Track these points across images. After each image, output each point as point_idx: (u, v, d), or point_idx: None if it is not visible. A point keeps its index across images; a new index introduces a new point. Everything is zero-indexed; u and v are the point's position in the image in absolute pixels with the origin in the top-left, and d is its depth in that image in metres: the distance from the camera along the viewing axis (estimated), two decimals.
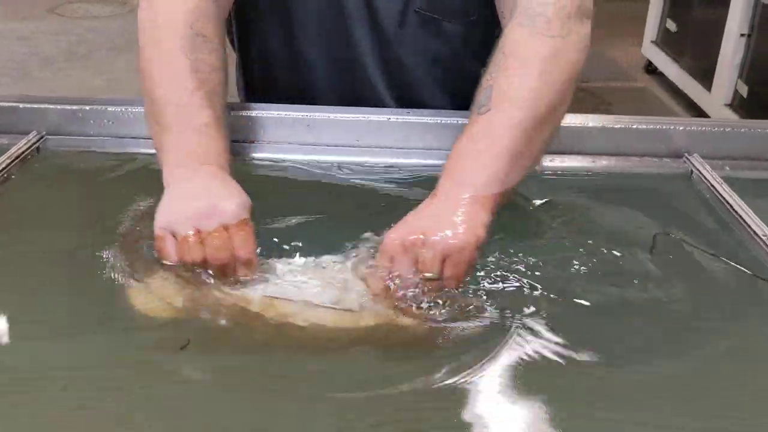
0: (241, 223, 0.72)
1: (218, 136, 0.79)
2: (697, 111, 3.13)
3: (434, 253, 0.70)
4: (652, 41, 3.55)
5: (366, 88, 1.02)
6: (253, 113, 1.01)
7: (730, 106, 2.86)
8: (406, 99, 1.04)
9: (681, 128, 1.01)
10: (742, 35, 2.77)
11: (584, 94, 3.36)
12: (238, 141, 1.00)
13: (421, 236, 0.70)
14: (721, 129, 1.02)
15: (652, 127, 1.02)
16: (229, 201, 0.73)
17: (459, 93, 1.02)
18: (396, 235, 0.72)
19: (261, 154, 1.00)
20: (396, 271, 0.71)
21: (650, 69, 3.65)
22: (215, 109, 0.81)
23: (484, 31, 1.00)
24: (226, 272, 0.72)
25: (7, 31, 4.20)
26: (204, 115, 0.79)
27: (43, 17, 4.48)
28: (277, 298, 0.71)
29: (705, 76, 3.01)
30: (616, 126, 1.01)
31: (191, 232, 0.71)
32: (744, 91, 2.79)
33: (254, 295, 0.71)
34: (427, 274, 0.70)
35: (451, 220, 0.71)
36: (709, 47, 2.96)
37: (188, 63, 0.81)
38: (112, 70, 3.67)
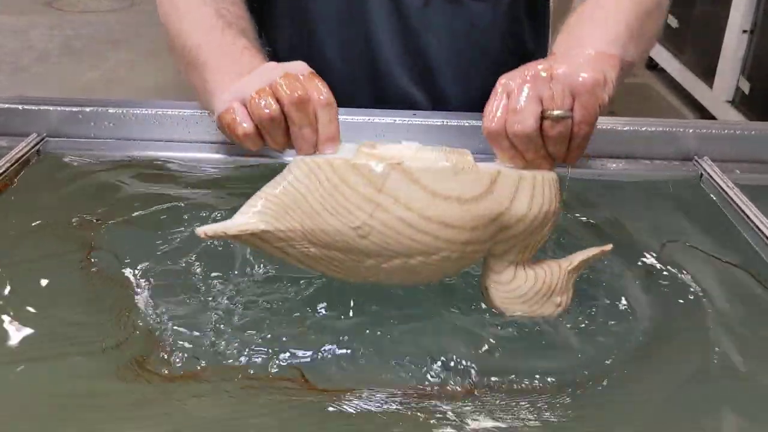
0: (311, 74, 0.65)
1: (260, 56, 0.75)
2: (698, 107, 3.12)
3: (563, 87, 0.62)
4: None
5: (387, 80, 1.00)
6: None
7: (732, 102, 2.85)
8: (429, 87, 1.01)
9: (691, 131, 1.00)
10: (744, 32, 2.76)
11: None
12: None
13: (546, 72, 0.62)
14: (732, 131, 1.00)
15: (661, 129, 1.00)
16: (293, 62, 0.67)
17: (483, 79, 1.01)
18: (513, 73, 0.64)
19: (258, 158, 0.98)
20: (514, 103, 0.62)
21: (651, 65, 3.63)
22: (250, 40, 0.77)
23: (510, 13, 0.98)
24: (306, 114, 0.63)
25: (1, 25, 4.17)
26: (240, 43, 0.75)
27: (39, 11, 4.45)
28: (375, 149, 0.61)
29: (707, 72, 3.00)
30: (625, 128, 1.00)
31: (261, 86, 0.64)
32: (746, 87, 2.78)
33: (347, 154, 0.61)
34: (556, 112, 0.61)
35: (577, 62, 0.64)
36: (710, 43, 2.95)
37: (212, 10, 0.79)
38: (107, 64, 3.65)
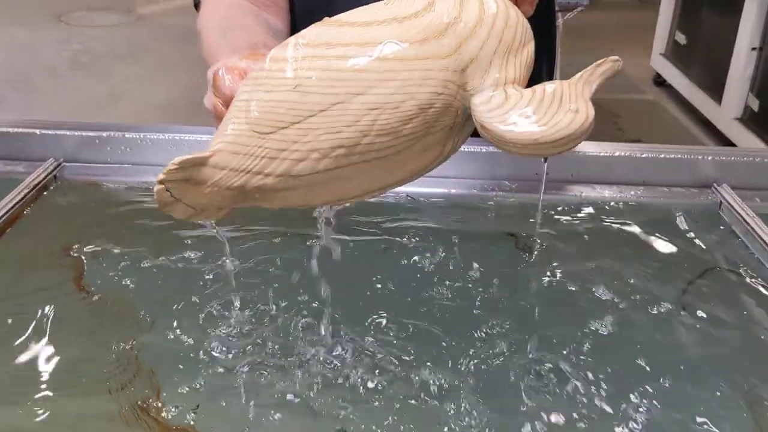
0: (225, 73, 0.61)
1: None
2: (706, 124, 3.12)
3: None
4: (660, 53, 3.54)
5: None
6: None
7: (741, 120, 2.85)
8: None
9: (709, 158, 1.00)
10: (753, 49, 2.76)
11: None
12: None
13: None
14: (751, 158, 1.00)
15: (679, 156, 1.00)
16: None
17: None
18: None
19: None
20: None
21: (659, 81, 3.64)
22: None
23: None
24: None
25: (9, 39, 4.19)
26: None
27: (47, 26, 4.47)
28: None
29: (715, 89, 3.00)
30: (642, 155, 0.99)
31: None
32: (755, 105, 2.77)
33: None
34: None
35: None
36: (719, 60, 2.95)
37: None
38: (115, 79, 3.66)
